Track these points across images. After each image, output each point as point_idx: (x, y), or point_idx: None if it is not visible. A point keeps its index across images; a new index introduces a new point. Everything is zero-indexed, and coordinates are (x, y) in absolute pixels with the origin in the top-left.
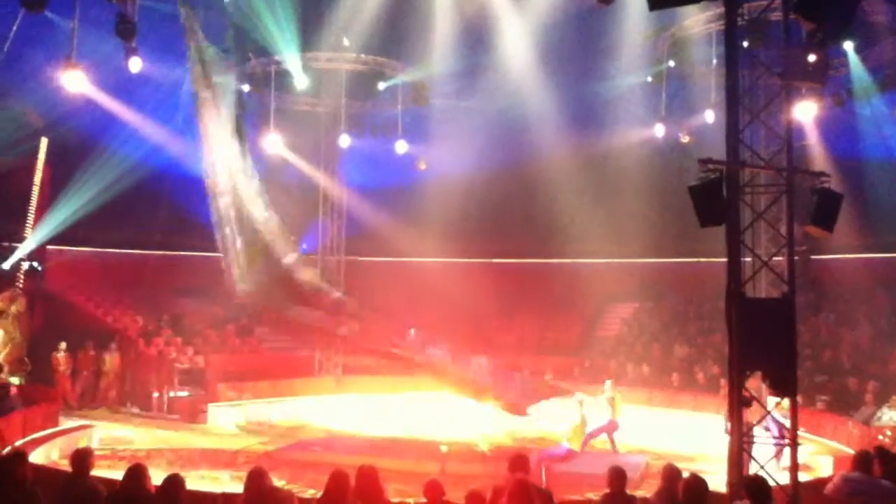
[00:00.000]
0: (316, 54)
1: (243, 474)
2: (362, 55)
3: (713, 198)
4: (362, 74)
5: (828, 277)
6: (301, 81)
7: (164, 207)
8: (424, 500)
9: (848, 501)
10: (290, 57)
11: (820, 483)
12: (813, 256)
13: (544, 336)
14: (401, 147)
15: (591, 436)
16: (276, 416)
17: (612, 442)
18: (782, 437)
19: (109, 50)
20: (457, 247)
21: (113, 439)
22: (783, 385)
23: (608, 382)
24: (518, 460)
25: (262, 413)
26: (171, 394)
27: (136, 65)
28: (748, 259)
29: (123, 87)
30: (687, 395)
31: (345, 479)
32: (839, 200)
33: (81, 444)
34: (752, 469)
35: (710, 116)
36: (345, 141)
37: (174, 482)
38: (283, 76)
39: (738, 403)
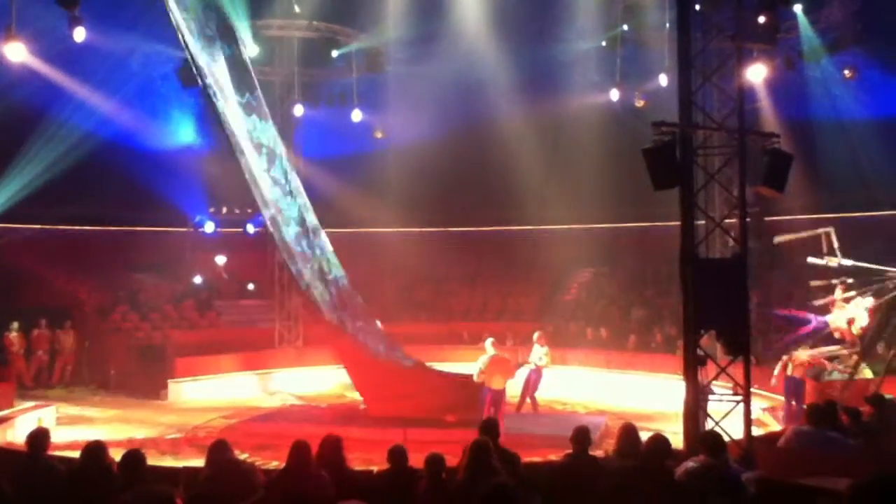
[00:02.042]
0: (267, 22)
1: (205, 448)
2: (314, 22)
3: (666, 160)
4: (315, 42)
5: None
6: (252, 50)
7: (116, 181)
8: (388, 466)
9: (799, 453)
10: (239, 25)
11: (773, 437)
12: (766, 218)
13: (506, 302)
14: (356, 115)
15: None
16: (237, 389)
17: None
18: None
19: (53, 20)
20: (416, 216)
21: (70, 418)
22: (736, 343)
23: (489, 341)
24: (487, 425)
25: (224, 387)
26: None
27: (80, 34)
28: (702, 222)
29: (69, 58)
30: (644, 356)
31: (306, 448)
32: (789, 161)
33: (38, 425)
34: (709, 425)
35: (663, 80)
36: (299, 110)
37: (135, 458)
38: None
39: (693, 362)
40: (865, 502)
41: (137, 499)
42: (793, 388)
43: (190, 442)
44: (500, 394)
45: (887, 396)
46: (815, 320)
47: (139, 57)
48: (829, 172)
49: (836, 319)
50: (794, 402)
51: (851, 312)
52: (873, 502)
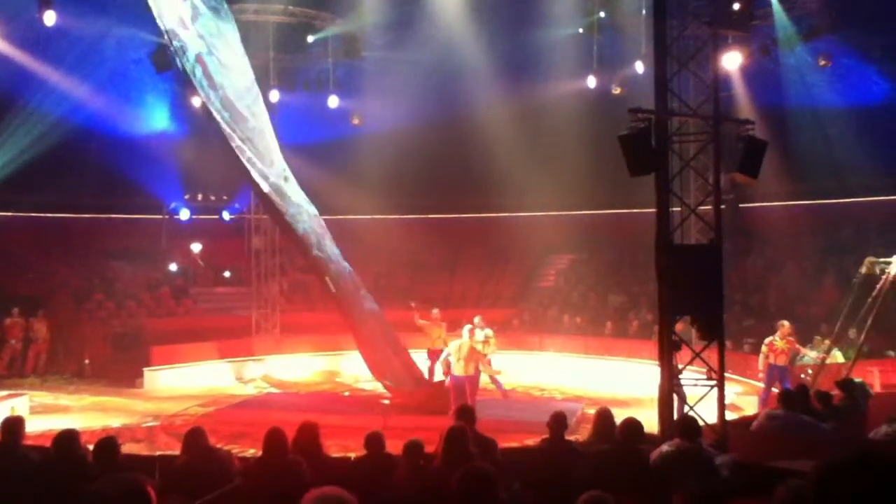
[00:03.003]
0: (242, 6)
1: (181, 437)
2: (290, 7)
3: (642, 147)
4: (291, 27)
5: (756, 224)
6: None
7: (90, 168)
8: (366, 453)
9: (772, 437)
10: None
11: (746, 421)
12: (742, 204)
13: (484, 289)
14: (333, 101)
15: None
16: (214, 377)
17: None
18: None
19: (22, 3)
20: (394, 202)
21: (44, 407)
22: (710, 328)
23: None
24: (463, 411)
25: (200, 375)
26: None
27: (50, 18)
28: (678, 209)
29: (39, 43)
30: (621, 342)
31: (281, 436)
32: (764, 147)
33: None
34: (685, 410)
35: (640, 67)
36: (275, 96)
37: (109, 446)
38: None
39: (669, 347)
40: (830, 482)
41: (108, 487)
42: (777, 376)
43: (166, 430)
44: (467, 380)
45: (857, 380)
46: None
47: (112, 41)
48: (803, 160)
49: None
50: (773, 389)
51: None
52: (838, 482)
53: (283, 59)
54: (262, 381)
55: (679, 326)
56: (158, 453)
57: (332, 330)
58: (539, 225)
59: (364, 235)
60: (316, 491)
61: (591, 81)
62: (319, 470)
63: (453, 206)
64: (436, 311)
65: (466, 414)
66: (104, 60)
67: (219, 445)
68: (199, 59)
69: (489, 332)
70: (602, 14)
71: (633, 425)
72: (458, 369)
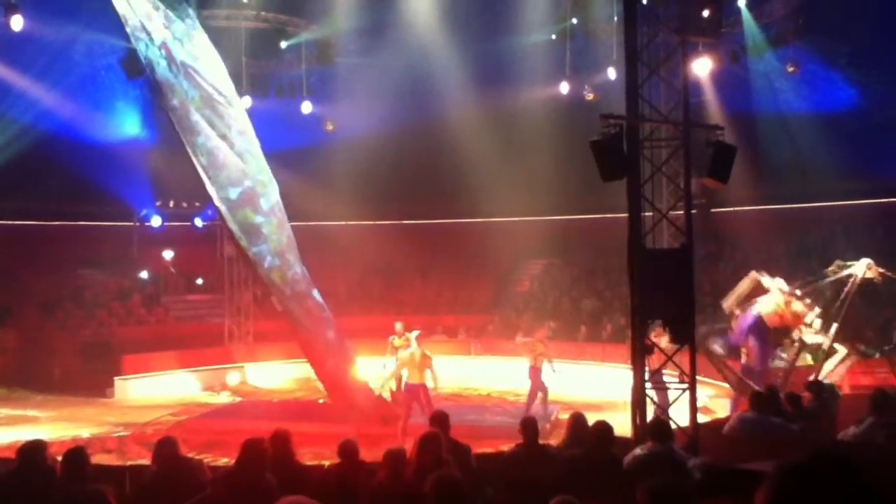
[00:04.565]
0: (213, 11)
1: (152, 446)
2: (263, 12)
3: (614, 152)
4: (264, 32)
5: (726, 228)
6: None
7: (59, 175)
8: (339, 461)
9: (743, 439)
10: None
11: (718, 424)
12: (713, 209)
13: (458, 295)
14: (306, 107)
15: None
16: (186, 386)
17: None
18: None
19: None
20: (367, 208)
21: (11, 419)
22: (682, 332)
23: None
24: (437, 417)
25: (172, 384)
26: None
27: (18, 23)
28: (650, 213)
29: (6, 48)
30: (595, 346)
31: (258, 447)
32: (733, 152)
33: None
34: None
35: (612, 73)
36: (247, 102)
37: (77, 457)
38: None
39: (641, 350)
40: (787, 484)
41: (70, 499)
42: (749, 377)
43: (137, 440)
44: (420, 387)
45: (826, 382)
46: (747, 318)
47: (82, 46)
48: (773, 165)
49: (765, 307)
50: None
51: (775, 296)
52: (794, 483)
53: (255, 64)
54: (234, 390)
55: (658, 332)
56: (129, 463)
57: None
58: (513, 230)
59: (337, 241)
60: (286, 500)
61: (564, 87)
62: (291, 479)
63: (427, 211)
64: (399, 325)
65: (440, 420)
66: (74, 66)
67: (191, 455)
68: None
69: (416, 333)
70: (574, 21)
71: (603, 429)
72: (413, 378)
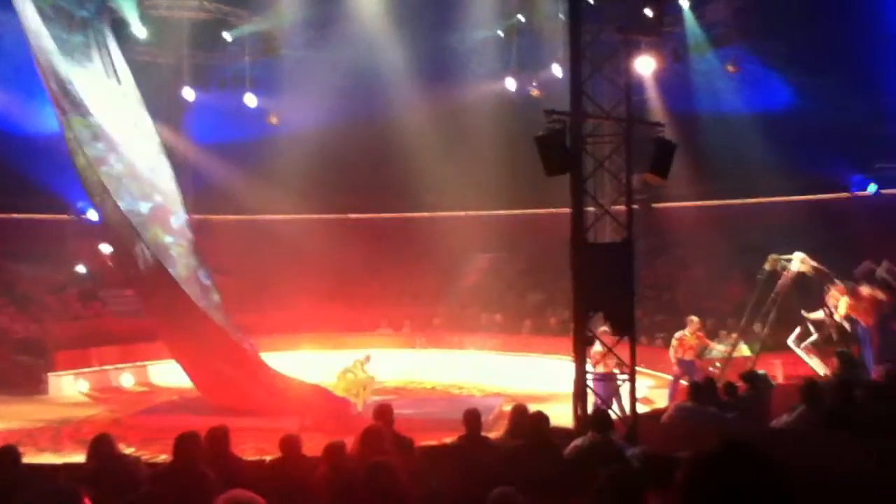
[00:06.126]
0: (154, 1)
1: (88, 443)
2: (206, 2)
3: (558, 148)
4: (207, 23)
5: (667, 224)
6: (140, 31)
7: None
8: (281, 455)
9: (680, 428)
10: (125, 4)
11: (657, 413)
12: (654, 205)
13: (404, 288)
14: (250, 100)
15: None
16: (124, 382)
17: None
18: None
19: None
20: (313, 202)
21: None
22: (622, 324)
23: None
24: (380, 410)
25: (110, 380)
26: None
27: None
28: (592, 208)
29: None
30: (540, 339)
31: (192, 442)
32: (673, 149)
33: None
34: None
35: (557, 70)
36: (189, 94)
37: (7, 455)
38: (120, 25)
39: (582, 342)
40: (697, 472)
41: (41, 497)
42: (685, 370)
43: (72, 437)
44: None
45: (760, 372)
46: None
47: (14, 35)
48: (713, 162)
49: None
50: (681, 381)
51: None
52: (704, 472)
53: (198, 56)
54: (174, 385)
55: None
56: (63, 461)
57: (251, 330)
58: (459, 224)
59: (283, 236)
60: (225, 495)
61: (510, 83)
62: (231, 474)
63: (373, 205)
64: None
65: (383, 413)
66: (5, 55)
67: (129, 451)
68: None
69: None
70: (520, 17)
71: (539, 419)
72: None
